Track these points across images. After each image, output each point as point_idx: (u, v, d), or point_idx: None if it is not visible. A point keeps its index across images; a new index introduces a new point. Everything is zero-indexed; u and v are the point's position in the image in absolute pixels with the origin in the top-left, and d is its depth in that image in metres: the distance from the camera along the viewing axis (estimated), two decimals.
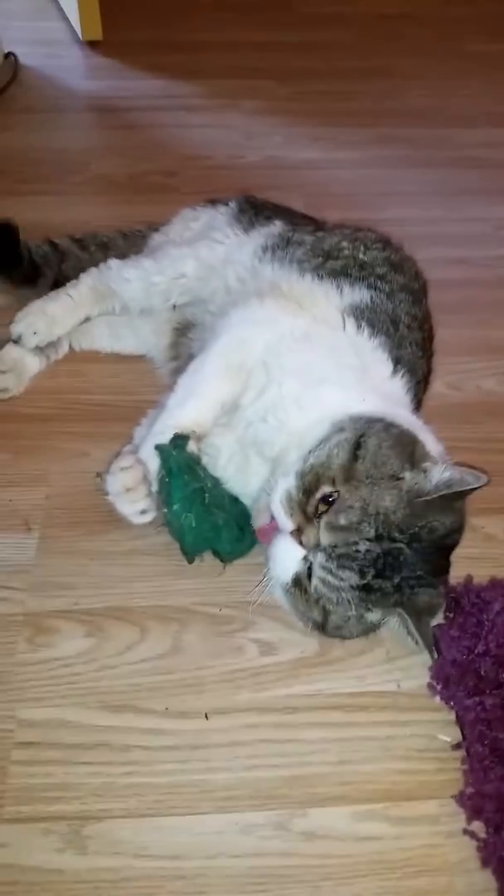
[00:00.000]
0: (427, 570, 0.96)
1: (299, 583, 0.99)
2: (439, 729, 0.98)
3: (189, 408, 1.11)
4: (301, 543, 0.98)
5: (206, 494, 1.06)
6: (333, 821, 0.90)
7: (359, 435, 0.98)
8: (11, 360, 1.37)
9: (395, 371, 1.14)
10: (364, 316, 1.17)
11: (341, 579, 0.94)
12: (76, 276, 1.44)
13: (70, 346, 1.46)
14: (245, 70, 2.46)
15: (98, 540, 1.16)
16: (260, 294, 1.21)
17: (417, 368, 1.20)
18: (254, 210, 1.46)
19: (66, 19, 2.65)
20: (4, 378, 1.36)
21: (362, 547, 0.93)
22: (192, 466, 1.06)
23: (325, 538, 0.95)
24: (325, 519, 0.96)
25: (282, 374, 1.08)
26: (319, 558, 0.95)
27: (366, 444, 0.97)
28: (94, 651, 1.03)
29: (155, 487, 1.08)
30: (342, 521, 0.94)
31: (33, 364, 1.40)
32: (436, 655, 1.01)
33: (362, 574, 0.93)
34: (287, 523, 0.98)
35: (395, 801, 0.92)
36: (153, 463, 1.08)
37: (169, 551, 1.13)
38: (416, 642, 0.99)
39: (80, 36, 2.53)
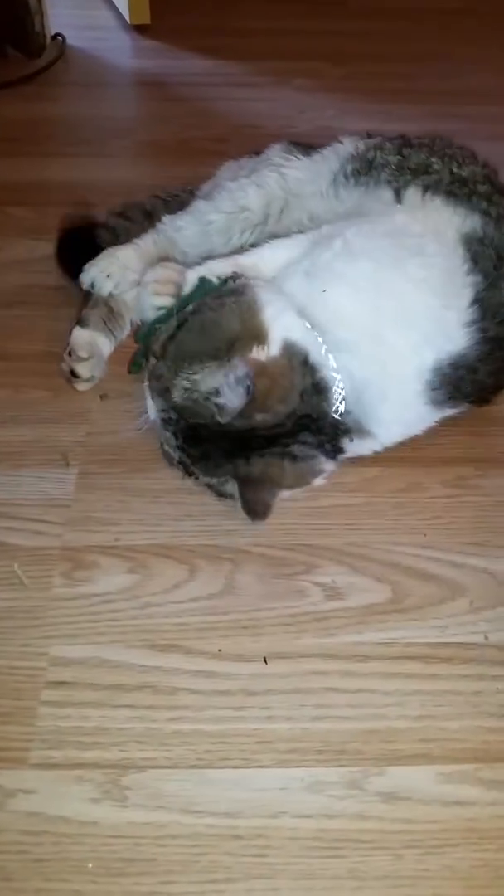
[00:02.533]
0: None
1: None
2: None
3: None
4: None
5: None
6: (416, 781, 0.76)
7: (189, 313, 0.99)
8: (87, 344, 1.18)
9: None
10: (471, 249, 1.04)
11: (167, 437, 0.98)
12: None
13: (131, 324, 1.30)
14: (296, 52, 2.40)
15: (141, 478, 1.04)
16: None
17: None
18: (305, 145, 1.35)
19: (113, 8, 2.62)
20: (89, 365, 1.17)
21: (171, 415, 0.96)
22: None
23: (154, 401, 0.99)
24: (148, 383, 1.00)
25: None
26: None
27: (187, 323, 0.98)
28: (137, 588, 0.91)
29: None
30: (155, 388, 0.98)
31: (106, 346, 1.23)
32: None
33: (176, 436, 0.96)
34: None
35: (487, 763, 0.78)
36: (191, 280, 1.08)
37: None
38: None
39: (127, 20, 2.49)
